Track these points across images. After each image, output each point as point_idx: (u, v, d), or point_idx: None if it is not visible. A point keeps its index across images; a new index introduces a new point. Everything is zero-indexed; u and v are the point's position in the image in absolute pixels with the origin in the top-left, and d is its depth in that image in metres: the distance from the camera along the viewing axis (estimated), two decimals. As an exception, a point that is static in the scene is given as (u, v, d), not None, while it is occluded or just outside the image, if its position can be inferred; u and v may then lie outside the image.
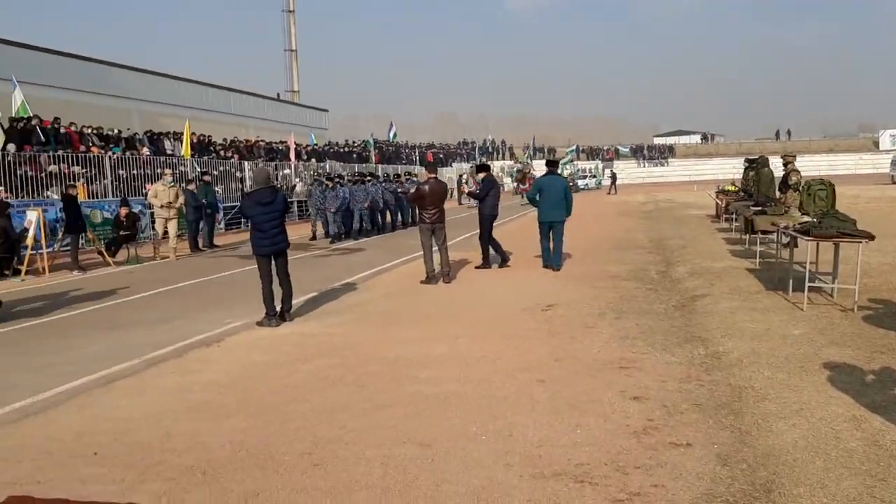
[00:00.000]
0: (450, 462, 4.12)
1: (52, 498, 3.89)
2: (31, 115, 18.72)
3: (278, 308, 8.31)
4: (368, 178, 22.31)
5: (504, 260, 12.10)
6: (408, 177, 26.41)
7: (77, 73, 25.78)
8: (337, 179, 20.91)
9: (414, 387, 5.61)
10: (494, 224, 12.39)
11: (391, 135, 44.06)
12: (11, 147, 16.83)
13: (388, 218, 22.59)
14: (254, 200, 8.05)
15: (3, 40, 23.55)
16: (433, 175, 10.81)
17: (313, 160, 33.46)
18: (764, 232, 11.91)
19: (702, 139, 79.57)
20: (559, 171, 12.64)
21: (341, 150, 40.57)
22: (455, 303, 9.38)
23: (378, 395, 5.42)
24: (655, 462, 4.06)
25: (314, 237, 19.68)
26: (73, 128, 21.06)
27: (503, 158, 65.39)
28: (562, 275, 11.28)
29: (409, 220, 23.25)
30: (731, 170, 56.99)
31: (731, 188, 22.14)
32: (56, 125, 20.19)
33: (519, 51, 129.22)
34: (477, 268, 12.18)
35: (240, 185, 24.87)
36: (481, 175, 12.33)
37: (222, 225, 22.80)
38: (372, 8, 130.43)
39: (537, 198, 11.61)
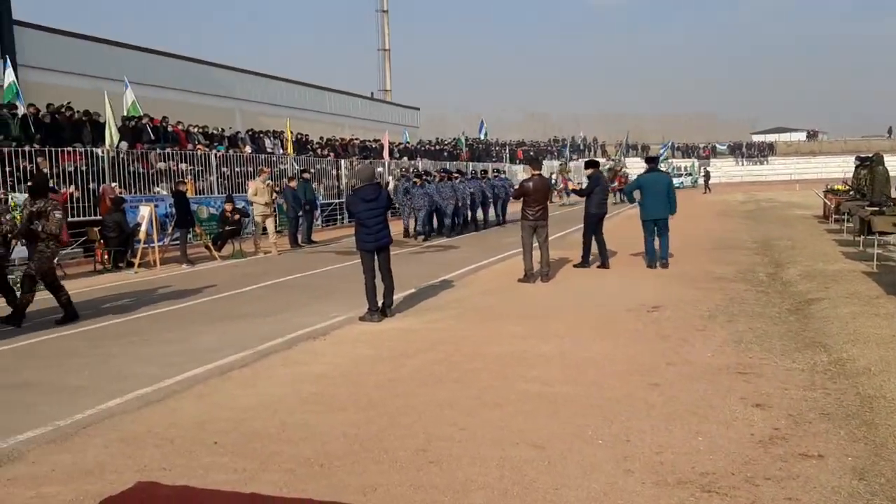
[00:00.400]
0: (567, 465, 4.02)
1: (177, 485, 4.06)
2: (142, 114, 19.62)
3: (380, 303, 8.38)
4: (456, 175, 22.02)
5: (604, 261, 11.81)
6: (496, 174, 25.97)
7: (183, 73, 26.95)
8: (424, 177, 20.49)
9: (522, 385, 5.53)
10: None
11: (482, 133, 44.01)
12: (124, 145, 17.70)
13: (480, 215, 22.32)
14: (359, 197, 8.15)
15: (115, 42, 24.86)
16: (537, 172, 10.69)
17: (405, 158, 33.81)
18: (882, 233, 11.23)
19: (807, 136, 75.87)
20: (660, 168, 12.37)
21: (433, 147, 40.84)
22: (555, 301, 9.24)
23: (486, 393, 5.36)
24: (786, 474, 3.84)
25: (407, 234, 19.62)
26: (180, 126, 21.98)
27: (595, 156, 64.36)
28: (664, 275, 10.95)
29: (502, 218, 22.99)
30: (835, 168, 54.21)
31: (841, 188, 21.05)
32: (164, 124, 21.11)
33: (608, 47, 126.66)
34: (575, 266, 11.98)
35: (336, 183, 25.36)
36: (589, 171, 12.03)
37: (319, 221, 23.30)
38: (461, 7, 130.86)
39: (636, 195, 11.50)
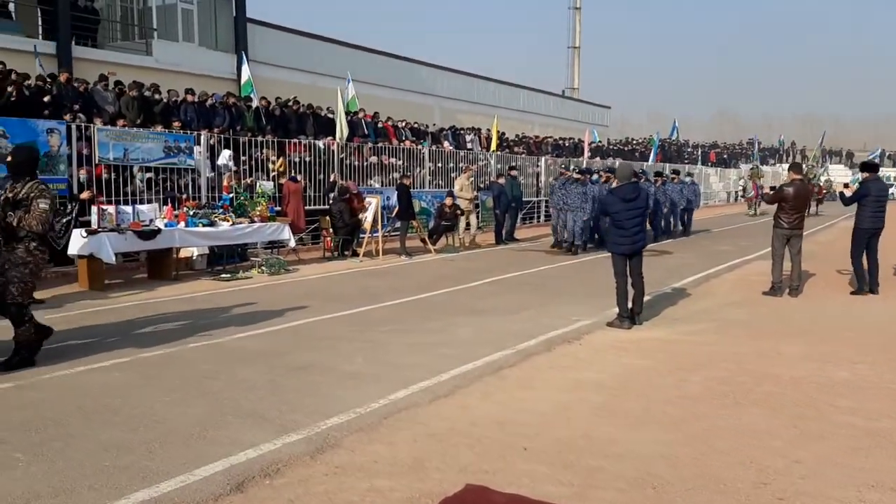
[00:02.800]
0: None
1: (507, 492, 3.92)
2: (359, 108, 20.43)
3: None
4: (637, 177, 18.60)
5: (873, 286, 10.08)
6: (672, 176, 21.27)
7: (390, 70, 27.82)
8: (588, 175, 16.55)
9: (839, 417, 4.95)
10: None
11: (673, 133, 42.13)
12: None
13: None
14: (618, 197, 7.81)
15: (329, 39, 26.11)
16: (798, 176, 9.80)
17: (597, 157, 33.04)
18: None
19: None
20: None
21: (623, 147, 39.68)
22: (819, 320, 8.41)
23: (802, 423, 4.84)
24: None
25: (559, 244, 16.22)
26: (389, 122, 22.72)
27: (795, 160, 59.77)
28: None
29: (680, 228, 20.30)
30: None
31: None
32: (375, 119, 21.91)
33: (803, 44, 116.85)
34: (853, 293, 10.17)
35: (534, 181, 25.16)
36: (863, 175, 10.18)
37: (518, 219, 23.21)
38: (651, 6, 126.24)
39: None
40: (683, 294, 10.21)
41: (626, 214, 7.80)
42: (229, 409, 5.08)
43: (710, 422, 4.88)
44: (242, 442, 4.46)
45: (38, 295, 9.17)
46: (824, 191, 43.37)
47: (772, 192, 10.52)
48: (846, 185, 15.21)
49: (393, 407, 5.16)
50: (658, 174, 19.44)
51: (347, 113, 20.83)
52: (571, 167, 20.83)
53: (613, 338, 7.50)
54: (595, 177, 16.65)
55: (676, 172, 20.27)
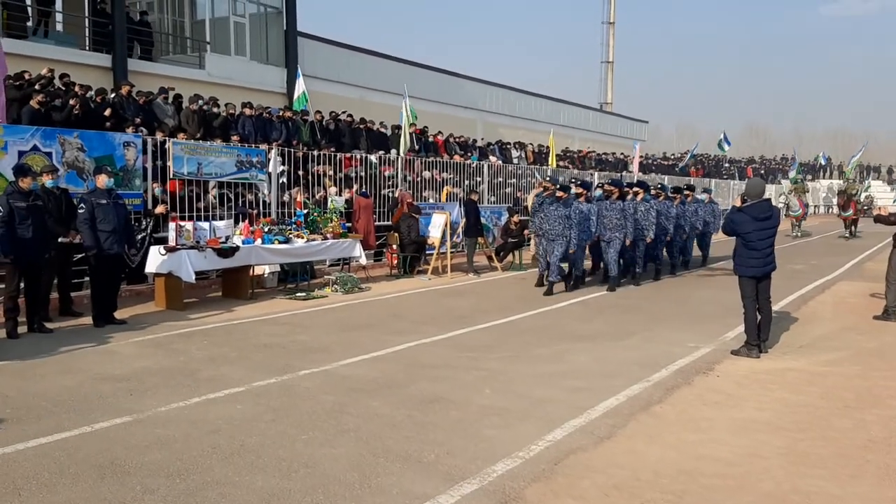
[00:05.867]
0: None
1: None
2: (412, 122, 20.07)
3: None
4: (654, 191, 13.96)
5: None
6: (687, 193, 15.29)
7: (436, 84, 27.48)
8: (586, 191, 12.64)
9: None
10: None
11: (726, 146, 41.32)
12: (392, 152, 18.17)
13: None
14: (750, 216, 7.26)
15: (377, 53, 25.82)
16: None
17: (641, 172, 32.45)
18: None
19: None
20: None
21: (664, 162, 39.06)
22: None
23: None
24: None
25: (541, 283, 12.33)
26: (440, 136, 22.34)
27: (830, 177, 58.68)
28: None
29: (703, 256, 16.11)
30: None
31: None
32: (424, 134, 21.53)
33: (833, 60, 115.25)
34: None
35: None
36: None
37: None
38: (680, 21, 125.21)
39: None
40: (789, 318, 9.61)
41: (759, 235, 7.25)
42: (379, 451, 4.59)
43: (928, 473, 4.33)
44: (413, 493, 3.98)
45: (118, 315, 8.86)
46: (865, 208, 42.29)
47: (889, 214, 9.92)
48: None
49: (556, 450, 4.66)
50: (678, 189, 15.16)
51: (397, 126, 20.52)
52: (548, 175, 18.68)
53: (748, 368, 6.94)
54: (598, 192, 13.39)
55: (691, 188, 15.72)
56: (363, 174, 16.70)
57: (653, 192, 13.69)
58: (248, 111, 15.54)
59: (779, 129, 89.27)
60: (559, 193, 11.68)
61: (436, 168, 19.92)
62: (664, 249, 14.18)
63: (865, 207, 42.43)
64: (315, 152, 16.05)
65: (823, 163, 56.56)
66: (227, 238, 10.25)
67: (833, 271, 15.01)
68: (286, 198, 13.51)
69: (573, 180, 14.68)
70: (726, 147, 35.97)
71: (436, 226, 13.66)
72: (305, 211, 11.90)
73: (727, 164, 47.67)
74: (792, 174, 39.10)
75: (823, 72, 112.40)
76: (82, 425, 5.02)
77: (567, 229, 11.46)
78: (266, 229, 10.84)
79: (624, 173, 29.08)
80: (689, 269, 15.04)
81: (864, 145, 41.51)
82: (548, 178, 15.74)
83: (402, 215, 13.73)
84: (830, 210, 45.77)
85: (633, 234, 12.20)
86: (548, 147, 28.27)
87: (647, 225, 12.69)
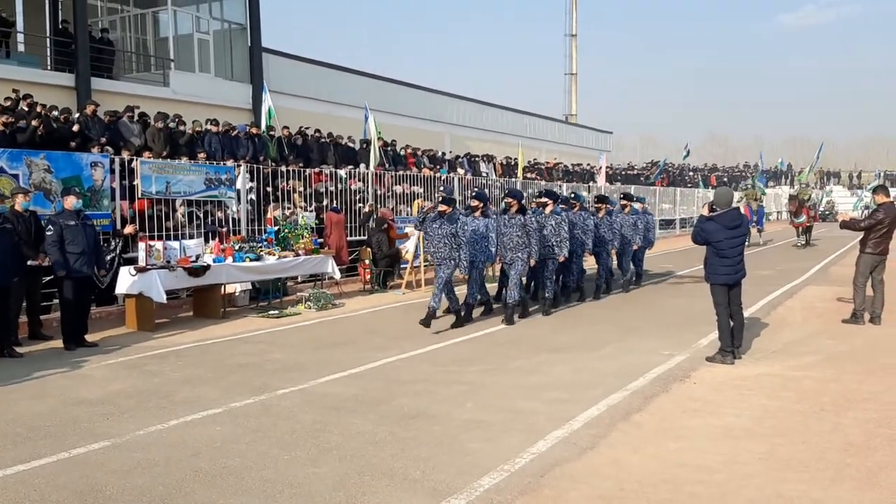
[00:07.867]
0: None
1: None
2: (378, 137, 20.05)
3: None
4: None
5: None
6: (623, 203, 13.66)
7: (403, 98, 27.53)
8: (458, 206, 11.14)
9: None
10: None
11: (686, 155, 42.05)
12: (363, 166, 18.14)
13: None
14: (721, 224, 7.37)
15: (342, 68, 25.79)
16: (889, 199, 9.35)
17: (606, 183, 32.81)
18: None
19: None
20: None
21: (631, 172, 39.55)
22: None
23: None
24: None
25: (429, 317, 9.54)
26: (408, 150, 22.36)
27: (787, 184, 59.90)
28: None
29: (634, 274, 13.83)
30: None
31: None
32: (390, 147, 21.51)
33: (792, 68, 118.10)
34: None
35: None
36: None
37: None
38: (643, 30, 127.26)
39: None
40: (760, 323, 9.76)
41: (730, 243, 7.37)
42: (363, 469, 4.55)
43: (903, 473, 4.42)
44: (401, 510, 3.94)
45: (88, 338, 8.69)
46: (826, 213, 43.05)
47: (862, 219, 10.12)
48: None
49: (541, 462, 4.66)
50: (601, 199, 13.12)
51: (366, 141, 20.50)
52: (441, 187, 17.26)
53: (724, 374, 7.03)
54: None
55: (629, 198, 14.06)
56: (332, 189, 16.66)
57: (571, 202, 12.08)
58: (213, 128, 15.42)
59: (739, 136, 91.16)
60: (441, 207, 9.59)
61: (405, 182, 19.94)
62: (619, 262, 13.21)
63: (826, 213, 43.32)
64: (283, 168, 15.96)
65: (784, 169, 57.61)
66: (198, 257, 10.12)
67: (800, 276, 15.30)
68: (269, 215, 13.31)
69: (540, 191, 12.77)
70: (684, 155, 36.91)
71: (409, 240, 13.64)
72: (276, 227, 11.80)
73: (691, 173, 48.41)
74: (758, 182, 39.74)
75: (782, 80, 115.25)
76: (60, 451, 4.91)
77: (454, 250, 9.50)
78: (237, 247, 10.73)
79: (591, 184, 29.41)
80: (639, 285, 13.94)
81: (821, 148, 42.30)
82: (440, 189, 15.28)
83: (372, 230, 13.71)
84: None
85: (538, 252, 10.20)
86: (516, 159, 28.53)
87: (559, 241, 10.60)
